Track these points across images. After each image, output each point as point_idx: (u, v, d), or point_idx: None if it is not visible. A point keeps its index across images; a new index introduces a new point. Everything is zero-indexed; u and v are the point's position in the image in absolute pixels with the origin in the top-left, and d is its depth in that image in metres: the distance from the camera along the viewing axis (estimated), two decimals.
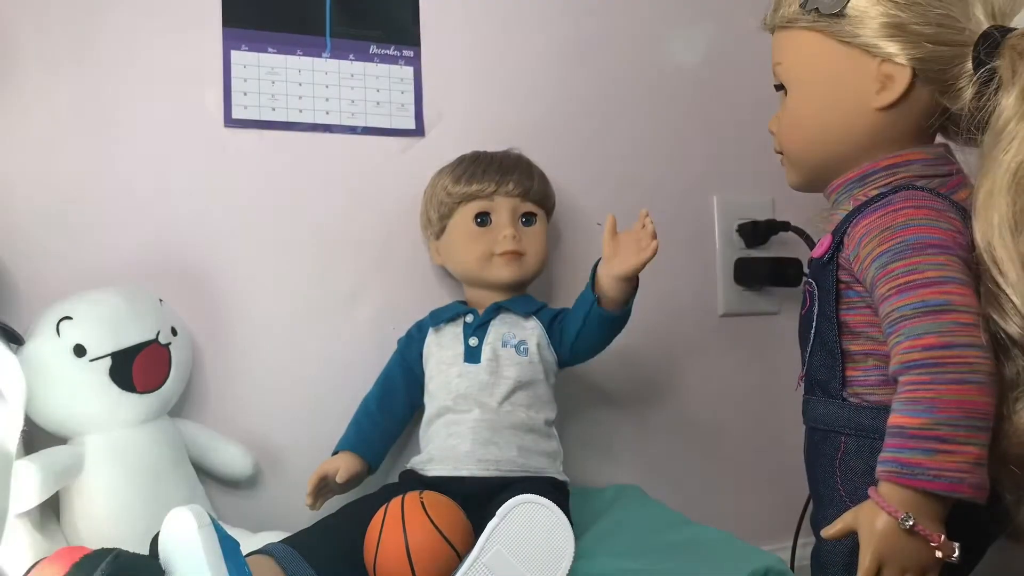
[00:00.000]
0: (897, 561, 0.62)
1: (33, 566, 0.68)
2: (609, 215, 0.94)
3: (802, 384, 0.80)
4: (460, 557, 0.79)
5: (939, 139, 0.76)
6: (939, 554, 0.62)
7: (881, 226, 0.67)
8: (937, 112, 0.71)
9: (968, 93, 0.68)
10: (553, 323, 1.01)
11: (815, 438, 0.77)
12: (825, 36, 0.72)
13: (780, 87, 0.78)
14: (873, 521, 0.63)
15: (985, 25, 0.68)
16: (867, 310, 0.70)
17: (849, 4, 0.70)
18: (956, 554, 0.62)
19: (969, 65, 0.68)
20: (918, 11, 0.69)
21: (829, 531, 0.66)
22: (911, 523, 0.61)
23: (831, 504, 0.73)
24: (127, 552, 0.69)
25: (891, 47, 0.69)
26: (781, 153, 0.80)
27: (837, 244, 0.71)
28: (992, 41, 0.67)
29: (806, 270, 0.81)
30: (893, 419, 0.64)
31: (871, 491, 0.64)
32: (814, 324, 0.74)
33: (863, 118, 0.72)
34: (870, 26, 0.70)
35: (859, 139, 0.73)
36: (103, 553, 0.68)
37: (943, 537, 0.62)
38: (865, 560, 0.63)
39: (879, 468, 0.64)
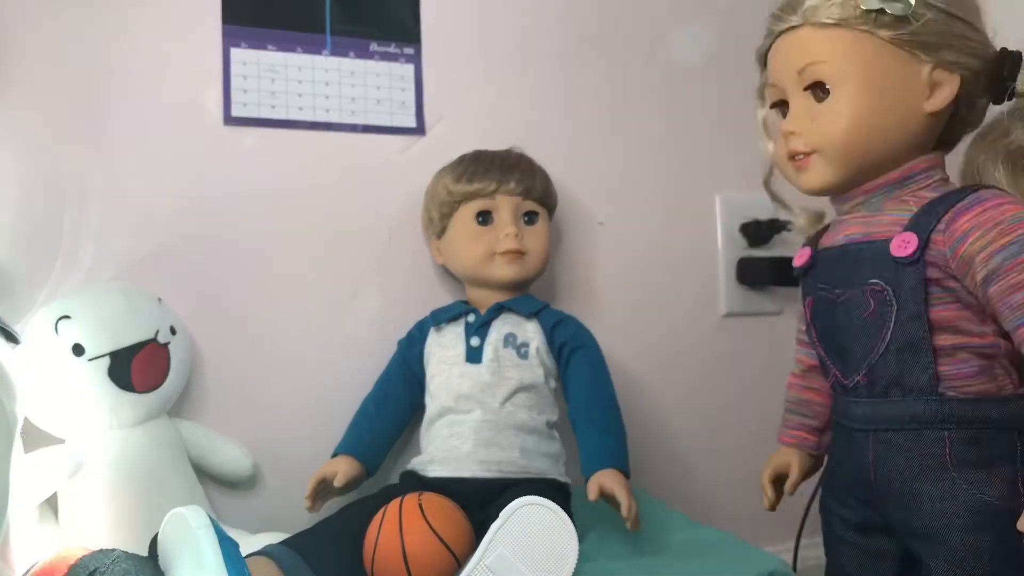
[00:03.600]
0: None
1: (32, 567, 0.68)
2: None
3: (849, 387, 0.78)
4: (458, 561, 0.78)
5: None
6: None
7: (992, 219, 0.69)
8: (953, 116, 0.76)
9: (982, 104, 0.75)
10: (554, 331, 1.01)
11: (895, 439, 0.75)
12: (879, 39, 0.73)
13: (809, 87, 0.77)
14: None
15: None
16: (955, 304, 0.72)
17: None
18: None
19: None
20: (970, 23, 0.73)
21: None
22: None
23: (943, 499, 0.72)
24: (126, 553, 0.68)
25: (945, 55, 0.72)
26: (802, 155, 0.78)
27: (925, 241, 0.72)
28: (1012, 60, 0.73)
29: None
30: None
31: None
32: (890, 324, 0.74)
33: (913, 121, 0.74)
34: (926, 33, 0.72)
35: (907, 141, 0.75)
36: (102, 554, 0.67)
37: None
38: None
39: None
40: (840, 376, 0.78)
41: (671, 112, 1.26)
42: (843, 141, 0.76)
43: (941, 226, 0.71)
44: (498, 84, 1.17)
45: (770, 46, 0.81)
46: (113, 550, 0.68)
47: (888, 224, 0.74)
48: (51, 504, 0.88)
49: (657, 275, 1.24)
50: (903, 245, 0.73)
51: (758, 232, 1.26)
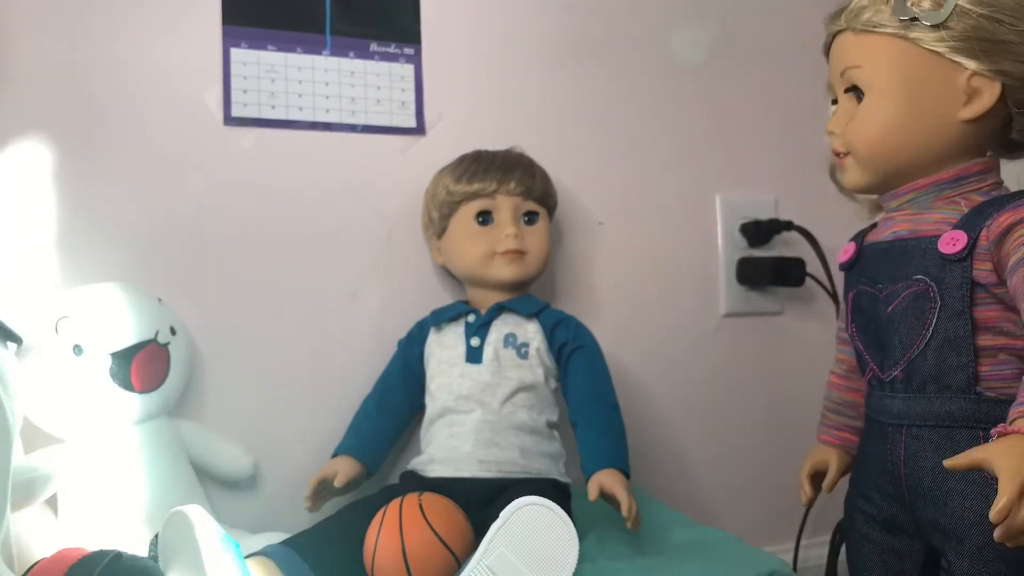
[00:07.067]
0: None
1: (32, 567, 0.68)
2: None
3: (886, 381, 0.78)
4: (458, 561, 0.78)
5: None
6: None
7: None
8: (1007, 123, 0.75)
9: None
10: (554, 332, 1.01)
11: (929, 435, 0.75)
12: (916, 45, 0.73)
13: (850, 89, 0.78)
14: (1010, 449, 0.59)
15: None
16: (999, 306, 0.72)
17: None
18: None
19: None
20: (1011, 28, 0.71)
21: (954, 462, 0.62)
22: None
23: (972, 497, 0.72)
24: (126, 553, 0.68)
25: (983, 62, 0.72)
26: (841, 154, 0.80)
27: (974, 240, 0.72)
28: None
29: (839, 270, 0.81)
30: None
31: (1000, 428, 0.61)
32: (932, 320, 0.74)
33: (947, 127, 0.74)
34: (964, 40, 0.71)
35: (941, 147, 0.75)
36: (102, 554, 0.67)
37: None
38: (1011, 485, 0.59)
39: (1014, 410, 0.61)
40: (877, 370, 0.79)
41: (671, 112, 1.26)
42: (870, 146, 0.78)
43: (990, 223, 0.71)
44: (498, 84, 1.17)
45: (829, 45, 0.82)
46: (112, 550, 0.68)
47: (936, 222, 0.75)
48: (51, 504, 0.88)
49: (657, 275, 1.24)
50: (952, 242, 0.73)
51: (758, 232, 1.26)
